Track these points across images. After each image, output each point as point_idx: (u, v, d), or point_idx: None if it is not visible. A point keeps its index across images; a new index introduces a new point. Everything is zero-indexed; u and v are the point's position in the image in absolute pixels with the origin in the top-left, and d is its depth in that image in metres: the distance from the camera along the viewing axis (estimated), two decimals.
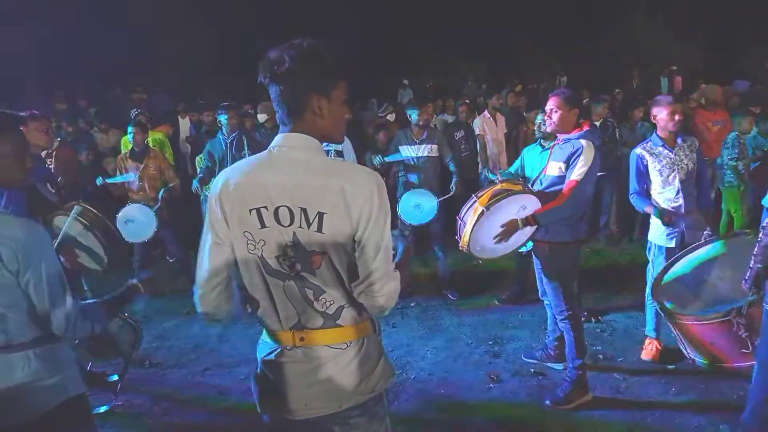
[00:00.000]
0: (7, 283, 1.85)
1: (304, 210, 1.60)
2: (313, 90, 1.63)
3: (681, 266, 3.70)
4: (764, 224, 2.79)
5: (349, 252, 1.64)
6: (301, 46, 1.61)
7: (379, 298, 1.66)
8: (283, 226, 1.62)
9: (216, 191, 1.68)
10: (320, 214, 1.59)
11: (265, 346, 1.79)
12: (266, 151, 1.69)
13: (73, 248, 3.29)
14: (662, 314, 3.53)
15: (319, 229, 1.60)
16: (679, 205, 3.86)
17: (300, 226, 1.61)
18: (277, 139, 1.68)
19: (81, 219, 3.48)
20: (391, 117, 8.41)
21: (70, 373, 2.03)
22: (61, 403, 1.97)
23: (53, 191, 3.99)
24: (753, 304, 2.92)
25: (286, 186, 1.60)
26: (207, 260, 1.71)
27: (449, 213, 5.15)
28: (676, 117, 3.81)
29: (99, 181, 5.72)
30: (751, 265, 2.85)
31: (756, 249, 2.82)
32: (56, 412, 1.96)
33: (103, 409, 3.63)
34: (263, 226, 1.63)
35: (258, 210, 1.63)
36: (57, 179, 5.12)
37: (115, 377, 3.64)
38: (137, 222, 5.34)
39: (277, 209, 1.62)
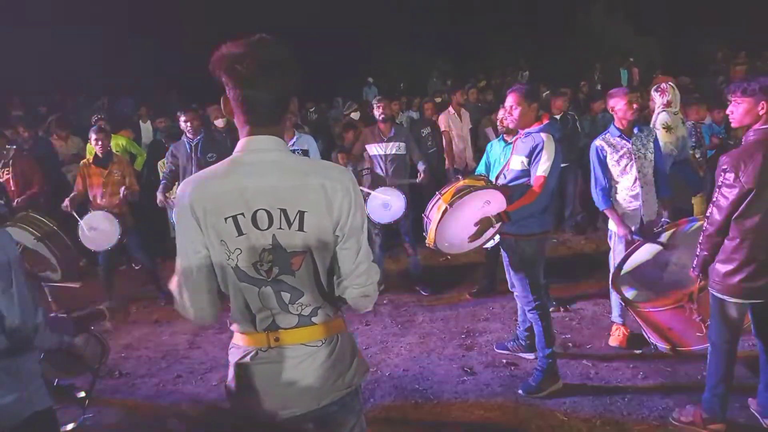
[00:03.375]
0: None
1: (283, 210, 1.59)
2: (294, 92, 1.64)
3: (640, 254, 3.81)
4: (708, 213, 2.91)
5: (330, 249, 1.65)
6: (278, 47, 1.57)
7: (363, 290, 1.68)
8: (261, 229, 1.59)
9: (186, 202, 1.60)
10: (301, 213, 1.59)
11: (238, 350, 1.76)
12: (233, 156, 1.64)
13: (32, 258, 3.21)
14: (623, 303, 3.64)
15: (301, 228, 1.60)
16: (637, 193, 3.96)
17: (280, 227, 1.60)
18: (244, 143, 1.63)
19: (31, 230, 3.39)
20: (355, 115, 8.37)
21: (35, 387, 1.97)
22: (26, 417, 1.92)
23: (2, 202, 3.89)
24: (703, 290, 3.04)
25: (262, 188, 1.58)
26: (192, 272, 1.65)
27: (419, 210, 5.18)
28: (634, 106, 3.92)
29: (65, 206, 5.22)
30: (697, 253, 2.98)
31: (701, 237, 2.95)
32: (21, 428, 1.90)
33: (70, 426, 3.53)
34: (240, 233, 1.59)
35: (234, 217, 1.58)
36: (7, 191, 4.96)
37: (83, 393, 3.54)
38: (101, 230, 5.21)
39: (254, 213, 1.58)
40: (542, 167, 3.42)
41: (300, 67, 1.62)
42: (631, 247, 3.87)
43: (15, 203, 5.45)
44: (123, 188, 5.47)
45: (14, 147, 5.88)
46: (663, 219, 3.90)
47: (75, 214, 5.20)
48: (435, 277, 5.86)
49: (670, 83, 5.14)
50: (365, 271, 1.68)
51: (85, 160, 5.85)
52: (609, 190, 4.03)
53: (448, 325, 4.88)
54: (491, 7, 17.92)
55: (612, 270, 3.94)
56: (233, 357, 1.77)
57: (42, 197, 5.82)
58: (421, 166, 5.44)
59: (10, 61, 10.95)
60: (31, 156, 6.33)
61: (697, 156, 6.19)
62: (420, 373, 4.08)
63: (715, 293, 2.94)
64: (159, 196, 5.47)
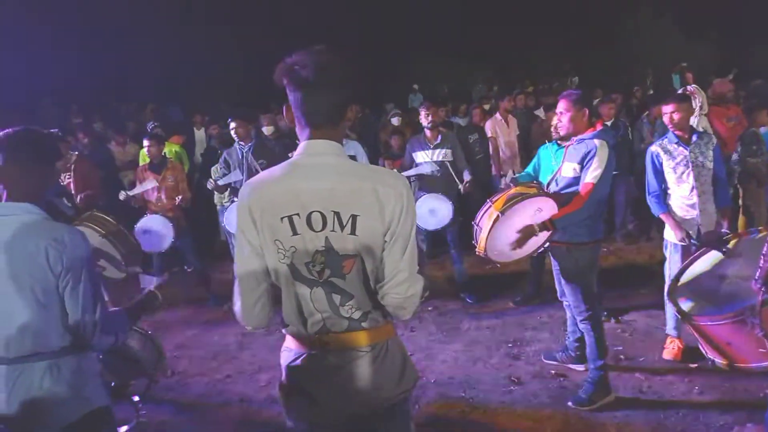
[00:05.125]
0: (49, 286, 1.88)
1: (337, 213, 1.62)
2: (352, 99, 1.69)
3: (698, 265, 3.67)
4: None
5: (379, 255, 1.66)
6: (337, 54, 1.63)
7: (403, 299, 1.68)
8: (315, 231, 1.63)
9: (245, 201, 1.67)
10: (353, 217, 1.62)
11: (289, 353, 1.79)
12: (292, 159, 1.70)
13: (97, 257, 3.32)
14: (678, 316, 3.51)
15: (353, 232, 1.62)
16: (694, 203, 3.83)
17: (333, 230, 1.63)
18: (303, 146, 1.69)
19: (98, 228, 3.52)
20: (395, 120, 8.36)
21: (94, 384, 2.02)
22: (84, 414, 1.96)
23: (69, 204, 4.05)
24: (766, 303, 2.90)
25: (318, 191, 1.62)
26: (246, 272, 1.71)
27: (465, 216, 5.16)
28: (675, 116, 3.80)
29: (122, 195, 5.64)
30: (761, 265, 2.85)
31: (765, 248, 2.82)
32: (79, 425, 1.95)
33: (124, 429, 3.62)
34: (295, 233, 1.64)
35: (290, 217, 1.63)
36: (71, 193, 5.16)
37: (137, 398, 3.61)
38: (154, 232, 5.40)
39: (309, 215, 1.63)
40: (592, 174, 3.36)
41: (357, 76, 1.67)
42: (690, 256, 3.74)
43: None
44: (179, 198, 5.66)
45: (76, 153, 6.15)
46: (722, 230, 3.75)
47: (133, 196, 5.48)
48: (481, 285, 5.80)
49: (695, 86, 5.02)
50: (406, 279, 1.67)
51: (140, 166, 6.08)
52: (663, 196, 3.91)
53: (495, 333, 4.83)
54: (535, 12, 17.72)
55: (668, 281, 3.82)
56: (284, 360, 1.81)
57: (100, 200, 6.06)
58: (466, 176, 5.41)
59: (66, 68, 11.45)
60: (91, 161, 6.61)
61: (758, 164, 5.94)
62: (466, 380, 4.05)
63: None
64: (211, 183, 5.54)
